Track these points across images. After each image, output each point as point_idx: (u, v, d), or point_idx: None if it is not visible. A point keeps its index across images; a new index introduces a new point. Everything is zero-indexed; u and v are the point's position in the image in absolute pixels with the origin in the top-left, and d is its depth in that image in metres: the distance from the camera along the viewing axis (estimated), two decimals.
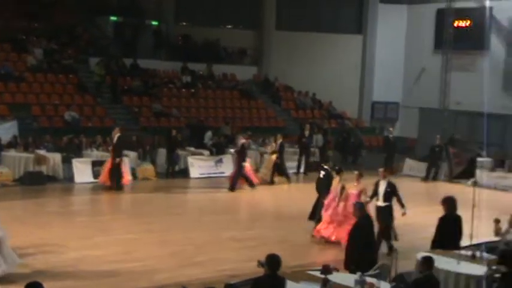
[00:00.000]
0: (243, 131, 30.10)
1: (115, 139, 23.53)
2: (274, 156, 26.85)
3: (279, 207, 22.71)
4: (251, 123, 34.17)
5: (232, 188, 24.44)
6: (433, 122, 34.98)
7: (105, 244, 15.82)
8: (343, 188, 17.08)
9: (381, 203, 16.30)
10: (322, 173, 18.27)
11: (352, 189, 16.53)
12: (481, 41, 33.63)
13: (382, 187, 16.32)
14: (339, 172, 17.50)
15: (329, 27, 38.77)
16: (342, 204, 16.63)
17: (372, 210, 15.70)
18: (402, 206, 16.16)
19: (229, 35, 38.58)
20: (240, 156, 24.92)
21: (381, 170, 16.80)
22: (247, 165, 25.31)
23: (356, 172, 16.97)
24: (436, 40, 37.27)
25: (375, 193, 16.38)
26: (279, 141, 27.19)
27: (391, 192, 16.20)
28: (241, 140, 25.25)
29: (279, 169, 27.06)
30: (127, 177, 24.32)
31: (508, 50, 34.83)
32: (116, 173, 23.39)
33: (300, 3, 38.58)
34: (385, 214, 16.16)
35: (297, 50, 37.96)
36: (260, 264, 9.85)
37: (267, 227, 19.02)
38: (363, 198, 16.08)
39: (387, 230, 16.21)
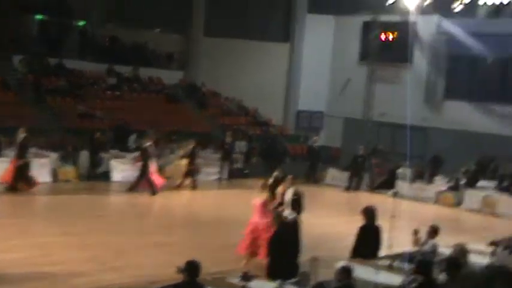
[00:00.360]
0: (166, 135, 29.91)
1: (20, 139, 22.86)
2: (184, 161, 26.52)
3: (201, 212, 22.60)
4: (176, 127, 33.93)
5: (131, 189, 24.11)
6: (356, 132, 35.41)
7: (23, 247, 15.45)
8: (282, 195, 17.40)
9: (287, 212, 15.72)
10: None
11: (258, 199, 15.72)
12: (405, 54, 34.23)
13: (289, 195, 15.73)
14: (279, 180, 17.43)
15: (257, 35, 38.88)
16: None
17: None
18: (298, 213, 15.34)
19: (157, 38, 38.37)
20: (144, 159, 24.52)
21: (289, 177, 16.15)
22: (152, 169, 24.77)
23: (262, 181, 16.35)
24: (362, 51, 37.80)
25: (282, 202, 15.74)
26: (191, 146, 26.73)
27: (298, 200, 15.48)
28: (146, 143, 24.82)
29: (189, 174, 26.57)
30: (33, 180, 23.36)
31: (430, 63, 35.55)
32: (19, 174, 22.70)
33: (229, 10, 38.59)
34: (290, 226, 15.15)
35: (224, 56, 37.96)
36: (179, 270, 9.77)
37: (188, 232, 18.92)
38: (269, 208, 15.57)
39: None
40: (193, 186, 26.59)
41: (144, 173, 24.38)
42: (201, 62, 38.52)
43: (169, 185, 25.89)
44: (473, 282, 10.70)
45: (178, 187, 26.24)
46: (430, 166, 30.74)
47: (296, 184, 15.85)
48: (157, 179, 24.84)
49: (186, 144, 27.15)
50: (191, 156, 26.63)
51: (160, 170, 26.63)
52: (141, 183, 24.39)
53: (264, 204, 15.46)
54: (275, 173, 18.08)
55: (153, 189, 24.33)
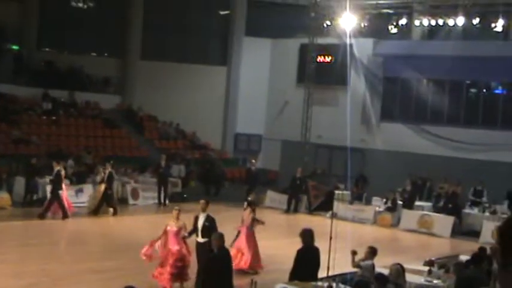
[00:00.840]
0: (105, 160, 29.56)
1: None
2: (102, 186, 26.01)
3: (137, 237, 22.15)
4: (114, 152, 33.64)
5: (41, 215, 23.66)
6: (294, 154, 35.51)
7: None
8: (253, 220, 18.01)
9: (200, 239, 15.40)
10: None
11: (172, 226, 15.33)
12: (341, 76, 34.55)
13: (201, 221, 15.41)
14: (250, 204, 18.67)
15: (194, 58, 38.86)
16: (160, 242, 15.44)
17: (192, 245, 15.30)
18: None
19: (93, 62, 38.00)
20: (56, 183, 24.11)
21: (201, 202, 15.81)
22: (64, 193, 24.31)
23: (176, 208, 15.82)
24: (299, 74, 38.02)
25: (195, 228, 15.45)
26: (107, 170, 26.02)
27: (210, 227, 15.08)
28: (56, 167, 24.26)
29: (107, 199, 25.86)
30: None
31: (367, 85, 35.96)
32: None
33: (166, 33, 38.55)
34: (205, 250, 14.83)
35: (162, 80, 37.82)
36: None
37: (125, 257, 18.54)
38: (182, 235, 15.32)
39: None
40: (114, 213, 25.86)
41: (55, 196, 23.97)
42: (138, 86, 38.32)
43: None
44: None
45: (95, 212, 25.58)
46: (357, 186, 31.09)
47: (208, 210, 15.50)
48: (68, 203, 24.49)
49: (103, 168, 26.60)
50: (108, 180, 25.96)
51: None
52: (53, 206, 24.00)
53: (178, 232, 15.24)
54: (249, 198, 18.27)
55: (64, 213, 23.92)
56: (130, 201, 28.66)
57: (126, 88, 38.70)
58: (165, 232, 15.38)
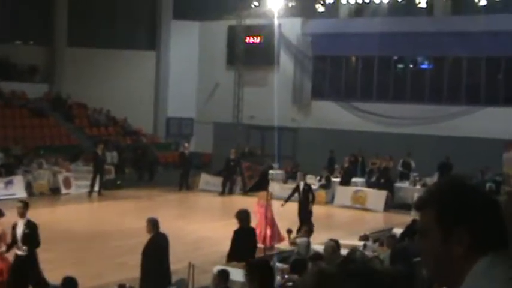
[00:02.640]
0: (35, 150, 29.11)
1: None
2: None
3: (73, 227, 21.84)
4: (43, 142, 33.09)
5: None
6: (227, 136, 35.45)
7: None
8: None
9: (20, 251, 13.29)
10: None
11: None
12: (271, 56, 34.62)
13: (20, 229, 13.16)
14: None
15: (123, 44, 38.33)
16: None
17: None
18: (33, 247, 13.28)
19: (19, 51, 37.16)
20: None
21: (18, 205, 13.54)
22: None
23: (21, 201, 14.31)
24: (229, 56, 37.91)
25: (13, 239, 13.27)
26: None
27: (31, 235, 13.13)
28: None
29: None
30: None
31: (296, 65, 36.11)
32: None
33: (93, 20, 37.89)
34: (26, 265, 13.29)
35: (90, 67, 37.19)
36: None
37: (61, 249, 18.17)
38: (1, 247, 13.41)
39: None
40: None
41: None
42: (65, 74, 37.65)
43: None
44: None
45: None
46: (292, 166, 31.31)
47: (27, 215, 13.67)
48: None
49: None
50: None
51: (30, 185, 25.92)
52: None
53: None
54: None
55: None
56: (63, 191, 28.22)
57: (54, 76, 37.98)
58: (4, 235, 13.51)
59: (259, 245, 16.57)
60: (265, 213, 18.07)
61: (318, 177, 29.02)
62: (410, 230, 15.38)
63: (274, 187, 27.12)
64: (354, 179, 29.90)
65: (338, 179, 29.03)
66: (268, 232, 18.26)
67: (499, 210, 2.49)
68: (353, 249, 13.41)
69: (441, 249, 2.46)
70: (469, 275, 2.40)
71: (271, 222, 18.66)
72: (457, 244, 2.43)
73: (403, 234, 16.10)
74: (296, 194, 21.49)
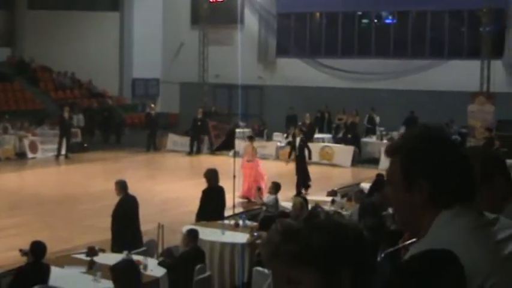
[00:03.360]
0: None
1: None
2: None
3: (40, 192, 21.65)
4: (8, 107, 32.70)
5: None
6: (193, 96, 35.33)
7: None
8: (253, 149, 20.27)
9: None
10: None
11: None
12: (236, 14, 34.37)
13: None
14: (250, 138, 21.89)
15: (85, 5, 37.76)
16: None
17: None
18: None
19: None
20: None
21: None
22: None
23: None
24: (193, 15, 37.56)
25: None
26: None
27: None
28: None
29: None
30: None
31: (261, 23, 35.95)
32: None
33: None
34: None
35: (53, 30, 36.61)
36: (23, 253, 9.56)
37: (29, 213, 18.16)
38: None
39: None
40: None
41: None
42: (28, 37, 37.06)
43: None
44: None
45: None
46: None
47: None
48: None
49: None
50: None
51: None
52: None
53: None
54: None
55: None
56: (29, 155, 28.01)
57: (16, 40, 37.44)
58: None
59: (245, 199, 18.08)
60: (253, 168, 19.46)
61: (285, 135, 29.09)
62: (378, 184, 15.55)
63: (241, 146, 27.18)
64: (321, 135, 30.10)
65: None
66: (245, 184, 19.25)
67: (464, 162, 2.50)
68: (315, 206, 13.61)
69: (404, 197, 2.49)
70: (433, 225, 2.43)
71: (260, 176, 19.60)
72: (418, 193, 2.45)
73: (371, 188, 16.27)
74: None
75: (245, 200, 19.08)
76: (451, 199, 2.45)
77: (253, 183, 19.11)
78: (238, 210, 16.82)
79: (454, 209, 2.43)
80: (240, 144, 23.50)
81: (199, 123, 29.94)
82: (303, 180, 20.96)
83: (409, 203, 2.48)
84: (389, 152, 2.57)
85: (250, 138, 22.04)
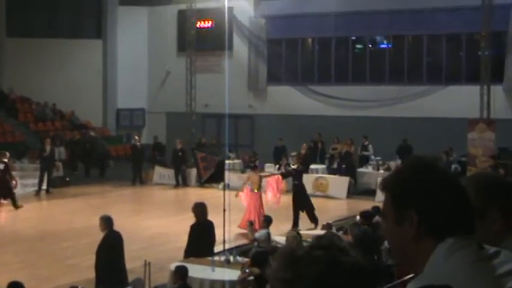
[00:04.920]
0: None
1: None
2: None
3: (20, 229, 21.45)
4: None
5: None
6: (181, 126, 34.42)
7: None
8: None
9: None
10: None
11: None
12: (224, 41, 33.49)
13: None
14: (254, 168, 22.38)
15: (67, 33, 37.15)
16: None
17: None
18: None
19: None
20: None
21: None
22: None
23: None
24: (179, 42, 36.91)
25: None
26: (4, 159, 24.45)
27: None
28: None
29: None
30: None
31: (251, 49, 35.11)
32: None
33: (34, 8, 36.44)
34: None
35: (33, 58, 35.79)
36: None
37: (7, 251, 17.72)
38: None
39: None
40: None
41: None
42: (6, 66, 36.35)
43: None
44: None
45: None
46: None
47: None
48: None
49: None
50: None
51: None
52: None
53: None
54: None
55: None
56: None
57: None
58: None
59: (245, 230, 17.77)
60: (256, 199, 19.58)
61: (277, 166, 28.07)
62: (367, 214, 15.13)
63: (232, 177, 26.21)
64: (314, 166, 29.40)
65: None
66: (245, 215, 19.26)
67: (459, 193, 2.46)
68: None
69: (396, 231, 2.48)
70: (430, 259, 2.40)
71: (261, 208, 19.50)
72: (408, 225, 2.43)
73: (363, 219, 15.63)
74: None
75: (245, 231, 18.37)
76: (446, 232, 2.42)
77: (258, 213, 19.13)
78: (229, 245, 16.05)
79: (451, 242, 2.41)
80: (231, 177, 22.88)
81: (180, 153, 29.27)
82: (312, 213, 20.36)
83: (400, 237, 2.48)
84: (382, 188, 2.56)
85: (254, 168, 22.36)
